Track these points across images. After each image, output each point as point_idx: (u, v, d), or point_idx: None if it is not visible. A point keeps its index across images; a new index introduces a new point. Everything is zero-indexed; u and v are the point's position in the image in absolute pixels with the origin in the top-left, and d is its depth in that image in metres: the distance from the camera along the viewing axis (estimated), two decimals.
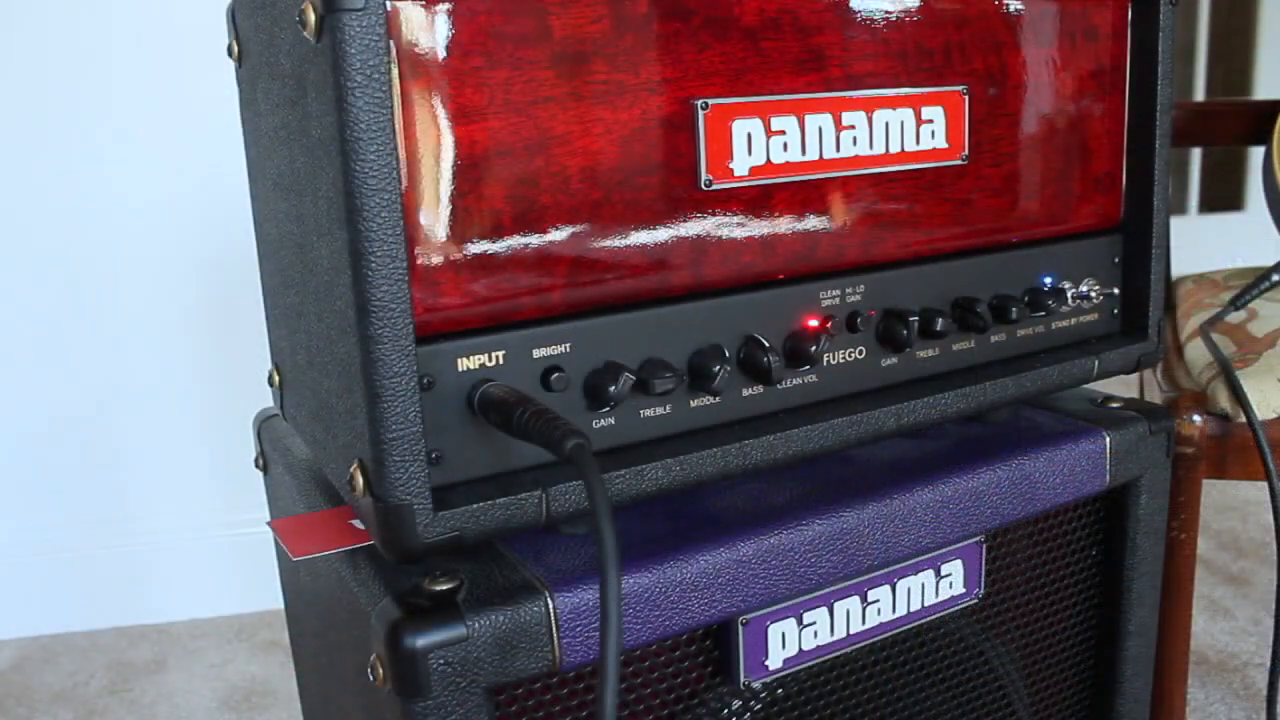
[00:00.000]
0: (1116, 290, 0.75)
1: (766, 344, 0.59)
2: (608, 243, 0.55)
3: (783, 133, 0.59)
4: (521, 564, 0.56)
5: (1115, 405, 0.76)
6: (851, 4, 0.60)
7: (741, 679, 0.60)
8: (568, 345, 0.55)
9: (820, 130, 0.60)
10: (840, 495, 0.63)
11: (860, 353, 0.64)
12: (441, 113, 0.50)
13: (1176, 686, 1.00)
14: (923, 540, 0.64)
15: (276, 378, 0.72)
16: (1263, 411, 0.94)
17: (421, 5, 0.49)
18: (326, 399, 0.58)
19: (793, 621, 0.61)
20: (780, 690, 0.63)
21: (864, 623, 0.64)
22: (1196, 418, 0.94)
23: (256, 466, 0.84)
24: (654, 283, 0.57)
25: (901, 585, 0.65)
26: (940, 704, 0.71)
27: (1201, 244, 2.68)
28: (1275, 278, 1.06)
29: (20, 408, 1.62)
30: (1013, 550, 0.72)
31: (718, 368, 0.57)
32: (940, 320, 0.65)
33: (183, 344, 1.64)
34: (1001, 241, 0.70)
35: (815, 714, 0.65)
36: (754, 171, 0.58)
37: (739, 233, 0.59)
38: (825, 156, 0.60)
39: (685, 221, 0.57)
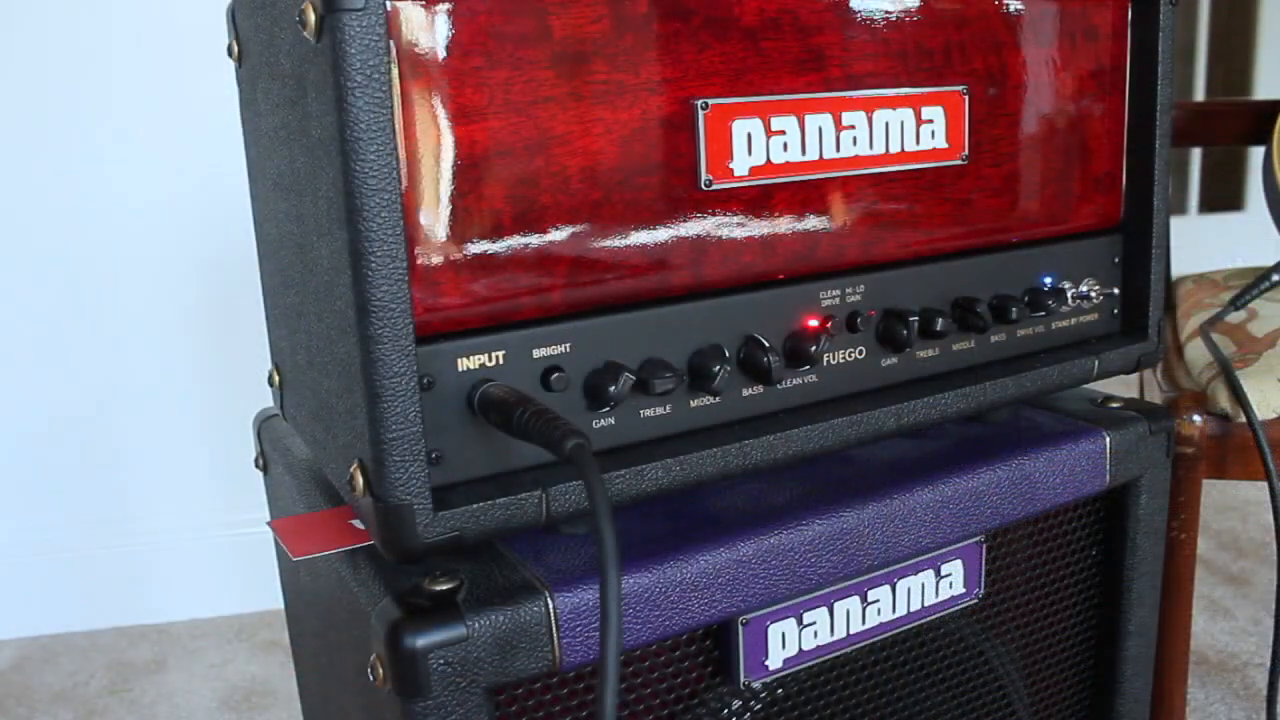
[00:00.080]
0: (1116, 290, 0.75)
1: (766, 344, 0.59)
2: (608, 243, 0.55)
3: (783, 133, 0.59)
4: (521, 564, 0.56)
5: (1115, 405, 0.76)
6: (851, 4, 0.60)
7: (741, 679, 0.60)
8: (568, 345, 0.55)
9: (820, 130, 0.60)
10: (840, 495, 0.63)
11: (860, 353, 0.64)
12: (441, 113, 0.50)
13: (1176, 686, 1.00)
14: (923, 540, 0.64)
15: (276, 378, 0.72)
16: (1263, 411, 0.94)
17: (421, 5, 0.49)
18: (326, 399, 0.58)
19: (793, 621, 0.61)
20: (780, 690, 0.63)
21: (864, 623, 0.64)
22: (1196, 418, 0.94)
23: (256, 466, 0.84)
24: (654, 283, 0.57)
25: (901, 585, 0.65)
26: (940, 704, 0.71)
27: (1201, 244, 2.68)
28: (1275, 278, 1.06)
29: (20, 408, 1.62)
30: (1013, 550, 0.72)
31: (718, 368, 0.57)
32: (940, 320, 0.65)
33: (183, 344, 1.64)
34: (1001, 241, 0.70)
35: (815, 714, 0.65)
36: (754, 171, 0.58)
37: (739, 233, 0.59)
38: (825, 156, 0.60)
39: (685, 221, 0.57)
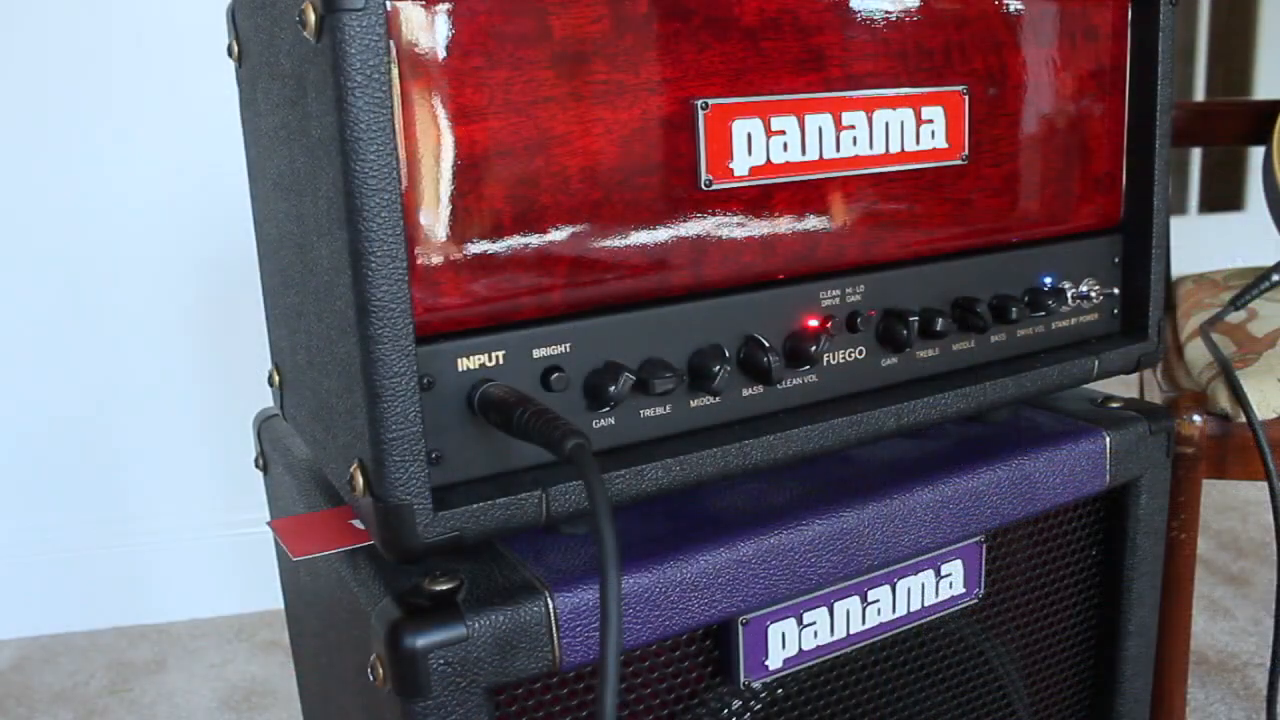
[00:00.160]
0: (1116, 290, 0.75)
1: (766, 344, 0.59)
2: (608, 243, 0.55)
3: (783, 133, 0.59)
4: (521, 564, 0.56)
5: (1115, 405, 0.76)
6: (851, 4, 0.60)
7: (741, 679, 0.60)
8: (568, 345, 0.55)
9: (820, 130, 0.60)
10: (840, 495, 0.63)
11: (860, 353, 0.64)
12: (441, 113, 0.50)
13: (1176, 686, 1.00)
14: (923, 540, 0.64)
15: (276, 378, 0.72)
16: (1263, 411, 0.94)
17: (421, 5, 0.49)
18: (326, 399, 0.58)
19: (793, 621, 0.61)
20: (780, 690, 0.63)
21: (864, 623, 0.64)
22: (1196, 418, 0.94)
23: (256, 466, 0.84)
24: (654, 283, 0.57)
25: (901, 585, 0.65)
26: (940, 704, 0.71)
27: (1201, 244, 2.68)
28: (1275, 278, 1.06)
29: (20, 408, 1.62)
30: (1013, 550, 0.72)
31: (718, 368, 0.57)
32: (940, 320, 0.65)
33: (183, 344, 1.64)
34: (1001, 241, 0.70)
35: (815, 714, 0.65)
36: (754, 171, 0.58)
37: (739, 233, 0.59)
38: (825, 156, 0.60)
39: (685, 221, 0.57)
